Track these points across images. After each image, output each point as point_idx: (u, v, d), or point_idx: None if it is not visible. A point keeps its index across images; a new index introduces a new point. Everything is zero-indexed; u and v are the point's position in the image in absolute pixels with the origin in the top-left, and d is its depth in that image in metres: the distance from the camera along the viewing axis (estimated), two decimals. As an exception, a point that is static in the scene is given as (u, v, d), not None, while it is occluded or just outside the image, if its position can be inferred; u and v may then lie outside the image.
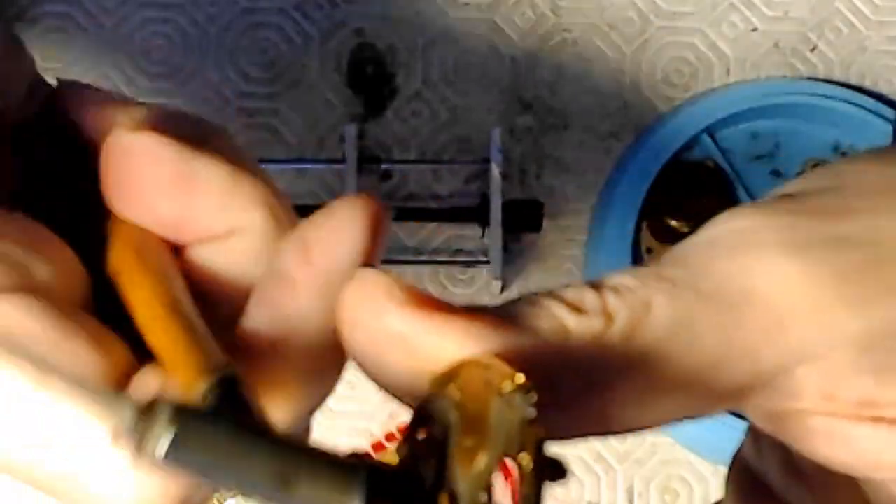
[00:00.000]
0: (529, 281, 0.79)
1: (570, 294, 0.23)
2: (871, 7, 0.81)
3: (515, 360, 0.21)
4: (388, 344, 0.22)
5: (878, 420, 0.23)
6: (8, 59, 0.29)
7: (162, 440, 0.20)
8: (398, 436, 0.76)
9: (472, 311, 0.23)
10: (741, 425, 0.28)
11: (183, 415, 0.21)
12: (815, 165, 0.79)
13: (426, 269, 0.79)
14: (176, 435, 0.20)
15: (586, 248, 0.79)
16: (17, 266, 0.26)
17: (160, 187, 0.27)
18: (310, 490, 0.21)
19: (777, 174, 0.79)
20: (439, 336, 0.22)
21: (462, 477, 0.20)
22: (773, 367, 0.22)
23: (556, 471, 0.20)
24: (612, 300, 0.23)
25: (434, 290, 0.80)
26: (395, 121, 0.80)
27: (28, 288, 0.26)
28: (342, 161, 0.78)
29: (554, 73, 0.81)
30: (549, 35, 0.81)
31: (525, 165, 0.80)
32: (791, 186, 0.25)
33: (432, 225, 0.80)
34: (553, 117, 0.81)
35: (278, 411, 0.27)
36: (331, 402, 0.85)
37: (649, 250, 0.77)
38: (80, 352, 0.26)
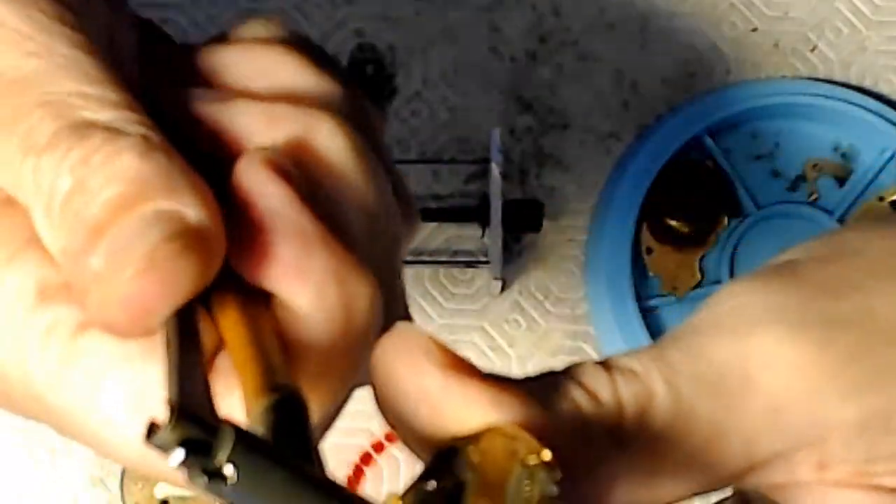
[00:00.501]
0: (529, 281, 0.79)
1: (587, 379, 0.24)
2: (871, 7, 0.81)
3: (538, 436, 0.22)
4: (418, 401, 0.24)
5: (870, 487, 0.24)
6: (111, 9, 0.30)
7: (229, 465, 0.20)
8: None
9: (503, 382, 0.24)
10: None
11: (245, 445, 0.21)
12: (815, 165, 0.79)
13: (426, 269, 0.79)
14: (236, 468, 0.21)
15: (586, 248, 0.79)
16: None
17: (264, 238, 0.28)
18: None
19: (777, 174, 0.79)
20: (469, 402, 0.23)
21: None
22: (771, 450, 0.23)
23: None
24: (622, 388, 0.24)
25: (434, 291, 0.80)
26: (395, 121, 0.80)
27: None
28: (342, 161, 0.77)
29: (554, 73, 0.81)
30: (549, 35, 0.81)
31: (525, 165, 0.80)
32: (792, 253, 0.26)
33: (432, 225, 0.80)
34: (553, 117, 0.81)
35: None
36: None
37: (649, 250, 0.78)
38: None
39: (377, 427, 0.77)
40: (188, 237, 0.25)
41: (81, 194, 0.25)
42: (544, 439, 0.22)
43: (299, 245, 0.28)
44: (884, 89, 0.81)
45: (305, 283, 0.28)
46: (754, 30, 0.81)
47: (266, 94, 0.31)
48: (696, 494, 0.24)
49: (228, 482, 0.20)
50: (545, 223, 0.78)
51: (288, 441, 0.24)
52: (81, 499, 0.79)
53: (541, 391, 0.24)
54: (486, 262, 0.76)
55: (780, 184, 0.79)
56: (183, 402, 0.22)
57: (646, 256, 0.77)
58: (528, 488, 0.20)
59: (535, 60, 0.81)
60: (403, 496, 0.22)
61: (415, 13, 0.81)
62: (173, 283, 0.25)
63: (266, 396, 0.25)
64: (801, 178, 0.79)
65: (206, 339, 0.28)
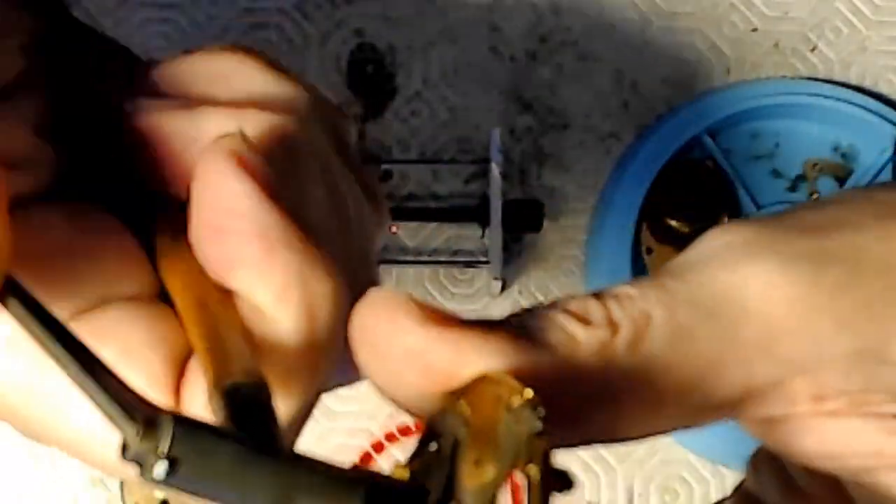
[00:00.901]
0: (529, 281, 0.79)
1: (576, 305, 0.24)
2: (871, 7, 0.81)
3: (528, 375, 0.22)
4: (405, 362, 0.23)
5: (867, 414, 0.24)
6: None
7: (161, 462, 0.21)
8: (398, 436, 0.76)
9: (486, 327, 0.23)
10: (742, 426, 0.28)
11: (184, 435, 0.21)
12: (815, 165, 0.79)
13: (426, 269, 0.79)
14: (175, 458, 0.21)
15: (586, 248, 0.79)
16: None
17: (229, 235, 0.28)
18: None
19: (777, 174, 0.79)
20: (456, 353, 0.22)
21: (469, 489, 0.20)
22: (767, 378, 0.23)
23: (563, 481, 0.20)
24: (615, 310, 0.23)
25: (434, 291, 0.80)
26: (395, 121, 0.80)
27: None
28: (342, 161, 0.78)
29: (554, 73, 0.81)
30: (549, 35, 0.81)
31: (525, 165, 0.80)
32: (783, 210, 0.26)
33: (432, 225, 0.80)
34: (553, 117, 0.81)
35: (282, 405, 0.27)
36: (331, 402, 0.84)
37: (649, 250, 0.78)
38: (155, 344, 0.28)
39: (377, 427, 0.77)
40: None
41: None
42: (534, 378, 0.22)
43: (261, 244, 0.28)
44: (884, 89, 0.81)
45: (267, 283, 0.28)
46: (754, 30, 0.81)
47: (229, 101, 0.31)
48: (694, 424, 0.24)
49: (173, 471, 0.21)
50: (545, 223, 0.78)
51: (248, 425, 0.24)
52: (81, 499, 0.79)
53: (529, 326, 0.23)
54: (486, 262, 0.76)
55: (780, 184, 0.79)
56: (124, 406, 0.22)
57: (646, 256, 0.77)
58: (515, 430, 0.20)
59: (535, 60, 0.81)
60: (409, 463, 0.22)
61: (415, 13, 0.81)
62: None
63: (226, 382, 0.25)
64: (801, 178, 0.79)
65: (178, 340, 0.28)
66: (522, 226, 0.78)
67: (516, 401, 0.20)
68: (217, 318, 0.28)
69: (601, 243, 0.77)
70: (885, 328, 0.23)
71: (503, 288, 0.78)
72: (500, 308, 0.79)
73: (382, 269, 0.80)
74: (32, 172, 0.30)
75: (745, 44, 0.81)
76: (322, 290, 0.28)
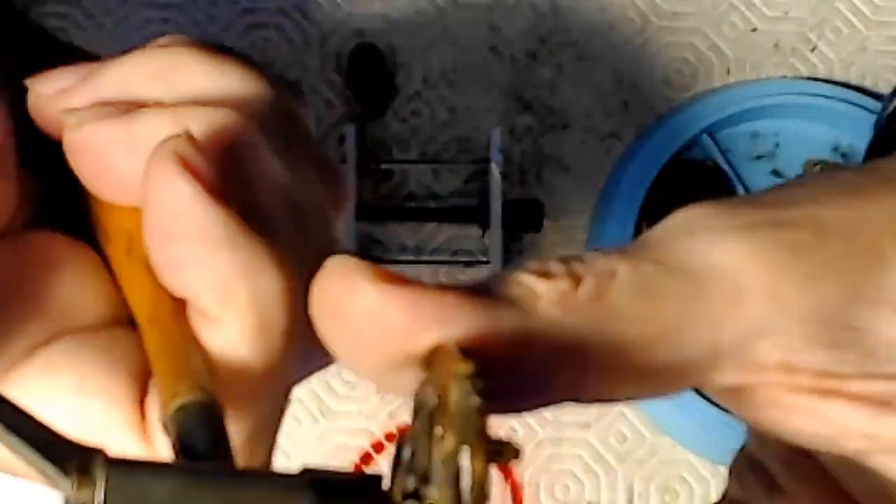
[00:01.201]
0: (529, 281, 0.79)
1: (536, 264, 0.23)
2: (871, 7, 0.81)
3: (489, 333, 0.22)
4: (363, 325, 0.22)
5: (836, 394, 0.23)
6: None
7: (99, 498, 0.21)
8: (398, 436, 0.76)
9: (444, 288, 0.23)
10: (741, 425, 0.28)
11: (119, 478, 0.21)
12: (815, 165, 0.79)
13: (426, 269, 0.79)
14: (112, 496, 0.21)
15: (586, 248, 0.79)
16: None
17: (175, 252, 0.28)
18: None
19: (777, 174, 0.79)
20: (414, 312, 0.22)
21: (436, 462, 0.20)
22: (733, 338, 0.23)
23: (505, 452, 0.20)
24: (577, 266, 0.23)
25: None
26: (394, 121, 0.80)
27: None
28: (342, 161, 0.78)
29: (554, 73, 0.81)
30: (549, 35, 0.81)
31: (525, 165, 0.80)
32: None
33: (432, 225, 0.80)
34: (553, 117, 0.81)
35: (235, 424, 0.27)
36: (331, 402, 0.85)
37: (649, 250, 0.78)
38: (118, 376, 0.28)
39: (377, 427, 0.77)
40: None
41: None
42: (499, 335, 0.22)
43: (205, 244, 0.27)
44: (884, 89, 0.81)
45: (211, 283, 0.27)
46: (754, 30, 0.81)
47: (171, 100, 0.31)
48: (661, 388, 0.24)
49: None
50: (545, 223, 0.78)
51: (195, 446, 0.24)
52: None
53: (486, 286, 0.23)
54: (486, 262, 0.76)
55: (780, 184, 0.79)
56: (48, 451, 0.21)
57: (646, 256, 0.77)
58: (463, 402, 0.20)
59: (535, 60, 0.81)
60: (408, 439, 0.22)
61: (415, 13, 0.81)
62: None
63: (173, 402, 0.25)
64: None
65: (141, 359, 0.28)
66: (522, 226, 0.78)
67: (461, 371, 0.20)
68: (170, 332, 0.28)
69: (601, 243, 0.77)
70: (846, 291, 0.23)
71: (503, 288, 0.78)
72: (500, 308, 0.79)
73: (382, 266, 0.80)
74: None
75: (745, 44, 0.81)
76: (271, 284, 0.28)
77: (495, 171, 0.74)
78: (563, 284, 0.23)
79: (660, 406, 0.76)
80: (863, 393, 0.23)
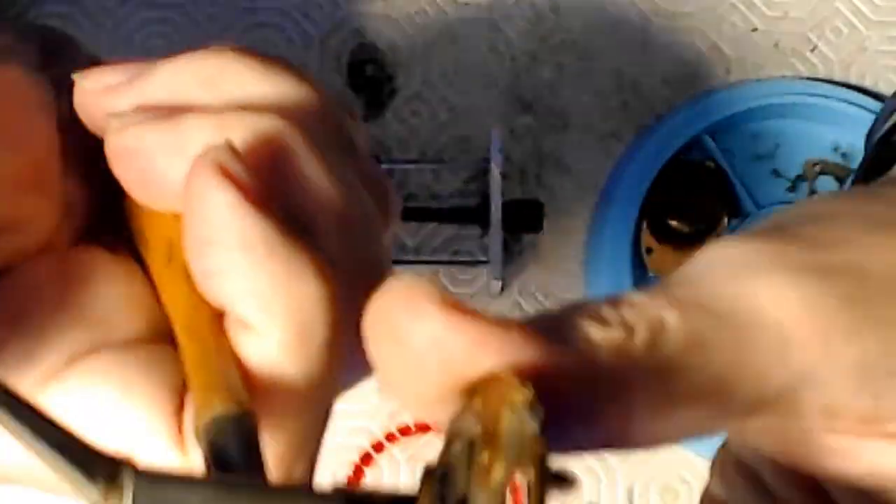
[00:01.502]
0: (529, 281, 0.79)
1: (591, 307, 0.23)
2: (871, 7, 0.81)
3: (546, 372, 0.22)
4: (424, 350, 0.22)
5: (877, 435, 0.23)
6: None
7: None
8: (398, 436, 0.76)
9: (506, 323, 0.22)
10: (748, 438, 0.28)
11: (146, 489, 0.21)
12: (815, 165, 0.79)
13: (426, 269, 0.79)
14: None
15: (586, 248, 0.79)
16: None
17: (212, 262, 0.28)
18: None
19: (777, 174, 0.79)
20: (478, 343, 0.21)
21: (480, 490, 0.20)
22: (780, 387, 0.23)
23: (562, 482, 0.20)
24: (629, 313, 0.23)
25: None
26: (394, 121, 0.80)
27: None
28: (342, 161, 0.78)
29: (554, 73, 0.81)
30: (549, 35, 0.81)
31: (525, 165, 0.80)
32: (771, 219, 0.26)
33: (432, 225, 0.80)
34: (553, 117, 0.81)
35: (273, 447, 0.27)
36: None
37: (649, 250, 0.78)
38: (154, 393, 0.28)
39: (377, 427, 0.77)
40: None
41: None
42: (551, 375, 0.21)
43: (245, 254, 0.27)
44: (884, 89, 0.81)
45: (251, 292, 0.27)
46: (754, 30, 0.81)
47: (218, 105, 0.31)
48: (705, 432, 0.24)
49: None
50: (545, 223, 0.78)
51: (228, 460, 0.24)
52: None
53: (546, 326, 0.23)
54: (486, 262, 0.76)
55: (781, 184, 0.79)
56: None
57: (646, 256, 0.77)
58: (518, 430, 0.19)
59: (535, 60, 0.81)
60: (440, 460, 0.21)
61: (415, 13, 0.81)
62: None
63: (207, 415, 0.25)
64: (801, 178, 0.79)
65: (180, 372, 0.28)
66: (522, 226, 0.78)
67: (517, 399, 0.20)
68: (206, 343, 0.27)
69: (601, 243, 0.77)
70: (891, 340, 0.23)
71: (503, 288, 0.78)
72: (500, 308, 0.79)
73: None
74: (28, 231, 0.30)
75: (745, 44, 0.81)
76: (312, 294, 0.28)
77: (495, 171, 0.74)
78: (617, 334, 0.23)
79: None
80: None
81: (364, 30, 0.81)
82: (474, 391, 0.21)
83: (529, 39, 0.81)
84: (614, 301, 0.23)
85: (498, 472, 0.19)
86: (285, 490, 0.22)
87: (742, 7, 0.81)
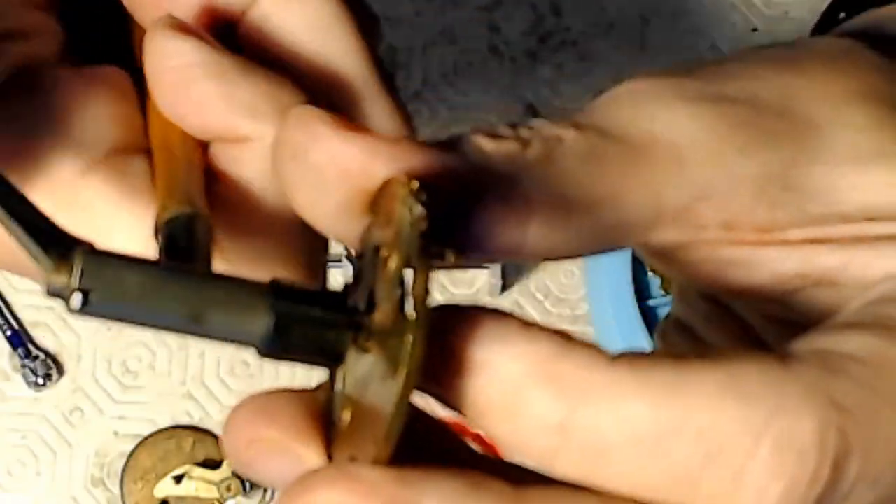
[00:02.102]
0: (529, 281, 0.79)
1: (486, 127, 0.25)
2: (871, 7, 0.81)
3: (437, 176, 0.23)
4: (323, 166, 0.24)
5: (772, 243, 0.25)
6: None
7: (75, 295, 0.22)
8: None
9: (398, 137, 0.25)
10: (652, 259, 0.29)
11: (93, 266, 0.23)
12: (815, 165, 0.79)
13: (426, 269, 0.79)
14: (87, 289, 0.22)
15: (586, 248, 0.79)
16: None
17: (189, 95, 0.29)
18: (221, 319, 0.22)
19: (777, 174, 0.79)
20: (371, 154, 0.23)
21: (380, 282, 0.22)
22: (675, 203, 0.24)
23: (444, 256, 0.22)
24: (524, 131, 0.24)
25: (434, 291, 0.80)
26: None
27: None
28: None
29: (554, 72, 0.81)
30: (549, 35, 0.81)
31: (525, 165, 0.80)
32: (683, 63, 0.27)
33: (432, 225, 0.80)
34: (553, 117, 0.81)
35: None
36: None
37: (649, 250, 0.78)
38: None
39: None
40: None
41: None
42: (443, 178, 0.23)
43: (217, 81, 0.29)
44: (884, 89, 0.81)
45: (236, 108, 0.29)
46: (754, 30, 0.81)
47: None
48: (603, 245, 0.25)
49: (87, 301, 0.22)
50: (545, 223, 0.78)
51: (178, 248, 0.26)
52: (81, 499, 0.79)
53: (438, 141, 0.24)
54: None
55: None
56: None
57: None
58: (408, 219, 0.21)
59: (535, 60, 0.81)
60: (349, 284, 0.23)
61: (415, 13, 0.81)
62: None
63: (166, 212, 0.27)
64: (802, 178, 0.79)
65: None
66: (522, 226, 0.78)
67: (403, 192, 0.21)
68: (173, 156, 0.30)
69: (601, 243, 0.77)
70: (785, 156, 0.25)
71: (503, 288, 0.78)
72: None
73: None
74: (40, 41, 0.32)
75: (745, 44, 0.81)
76: (294, 101, 0.29)
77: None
78: (511, 146, 0.24)
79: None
80: (797, 238, 0.25)
81: (364, 30, 0.81)
82: (377, 205, 0.23)
83: (529, 39, 0.81)
84: (513, 124, 0.25)
85: (393, 262, 0.21)
86: (223, 278, 0.23)
87: (742, 7, 0.81)
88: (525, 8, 0.81)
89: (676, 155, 0.24)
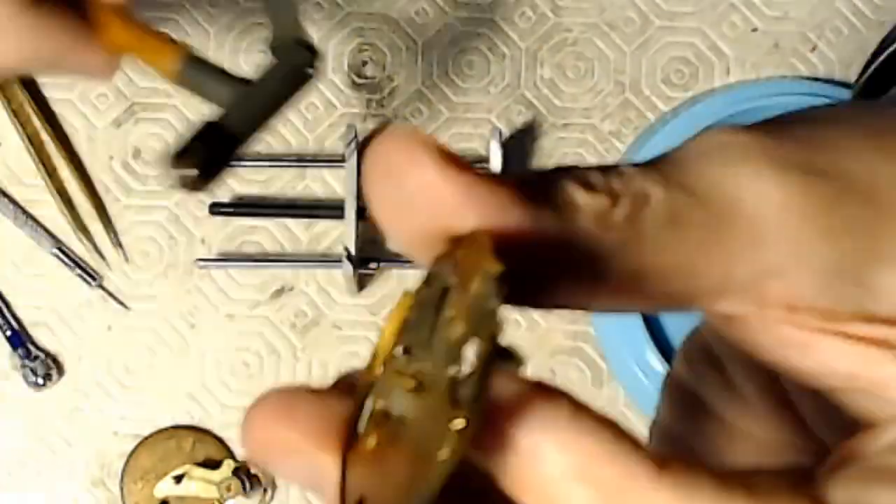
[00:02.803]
0: (529, 281, 0.79)
1: (580, 172, 0.24)
2: (871, 7, 0.81)
3: (527, 231, 0.22)
4: (416, 195, 0.23)
5: (834, 334, 0.24)
6: None
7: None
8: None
9: (497, 181, 0.23)
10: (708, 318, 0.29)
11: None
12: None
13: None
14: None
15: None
16: None
17: None
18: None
19: (777, 174, 0.79)
20: (467, 194, 0.22)
21: (439, 340, 0.21)
22: (747, 275, 0.24)
23: (508, 357, 0.21)
24: (616, 182, 0.24)
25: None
26: (394, 121, 0.80)
27: None
28: (342, 161, 0.78)
29: (554, 72, 0.81)
30: (549, 35, 0.81)
31: (525, 165, 0.80)
32: (773, 118, 0.27)
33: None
34: (553, 117, 0.81)
35: None
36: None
37: (649, 250, 0.78)
38: None
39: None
40: None
41: None
42: (532, 234, 0.23)
43: None
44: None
45: None
46: (754, 30, 0.81)
47: None
48: (666, 308, 0.25)
49: None
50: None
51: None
52: (81, 499, 0.79)
53: (533, 185, 0.23)
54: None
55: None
56: None
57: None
58: (482, 298, 0.21)
59: (535, 60, 0.81)
60: (416, 293, 0.23)
61: (415, 13, 0.81)
62: None
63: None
64: (801, 178, 0.79)
65: None
66: (522, 226, 0.78)
67: (490, 271, 0.21)
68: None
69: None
70: (863, 251, 0.24)
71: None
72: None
73: (382, 267, 0.80)
74: None
75: (745, 44, 0.81)
76: None
77: (495, 170, 0.74)
78: (602, 201, 0.23)
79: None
80: (860, 335, 0.24)
81: (364, 30, 0.81)
82: (459, 242, 0.22)
83: (529, 39, 0.81)
84: (605, 168, 0.24)
85: (458, 329, 0.20)
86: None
87: (742, 7, 0.81)
88: (525, 8, 0.81)
89: (757, 231, 0.23)
